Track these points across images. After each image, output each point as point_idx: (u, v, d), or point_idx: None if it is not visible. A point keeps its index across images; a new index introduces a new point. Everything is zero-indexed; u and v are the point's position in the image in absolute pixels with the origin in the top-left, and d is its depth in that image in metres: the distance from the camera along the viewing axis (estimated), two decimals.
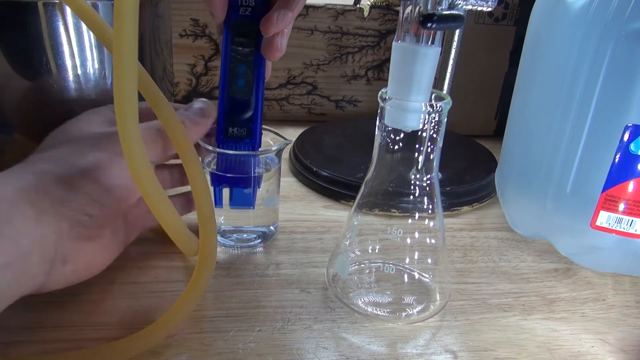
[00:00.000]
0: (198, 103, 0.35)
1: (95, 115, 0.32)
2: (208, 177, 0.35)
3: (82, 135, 0.30)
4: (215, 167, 0.36)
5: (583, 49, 0.32)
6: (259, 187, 0.36)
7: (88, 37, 0.35)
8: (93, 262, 0.30)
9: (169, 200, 0.28)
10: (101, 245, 0.30)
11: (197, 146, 0.34)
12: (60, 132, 0.31)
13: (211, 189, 0.35)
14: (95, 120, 0.32)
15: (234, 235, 0.38)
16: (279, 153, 0.37)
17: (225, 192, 0.36)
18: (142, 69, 0.30)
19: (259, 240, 0.38)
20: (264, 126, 0.37)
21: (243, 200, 0.35)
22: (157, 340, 0.28)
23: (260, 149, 0.35)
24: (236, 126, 0.35)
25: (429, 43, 0.27)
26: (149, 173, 0.27)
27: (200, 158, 0.33)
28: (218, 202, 0.35)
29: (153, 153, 0.31)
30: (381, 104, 0.29)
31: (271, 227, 0.39)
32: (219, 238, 0.37)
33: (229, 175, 0.35)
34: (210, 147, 0.35)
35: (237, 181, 0.35)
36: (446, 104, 0.28)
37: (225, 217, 0.38)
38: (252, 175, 0.35)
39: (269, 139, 0.38)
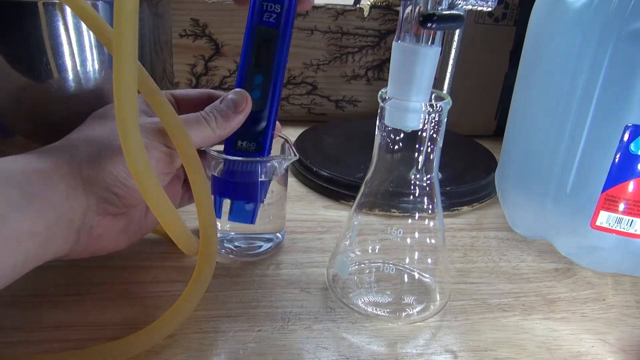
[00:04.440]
0: (231, 94, 0.33)
1: None
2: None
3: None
4: (220, 172, 0.35)
5: (583, 49, 0.32)
6: (261, 202, 0.35)
7: (88, 37, 0.35)
8: (117, 238, 0.31)
9: (169, 200, 0.28)
10: (126, 223, 0.31)
11: (203, 152, 0.33)
12: (101, 114, 0.33)
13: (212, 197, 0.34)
14: None
15: (237, 242, 0.37)
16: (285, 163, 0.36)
17: (226, 204, 0.35)
18: (143, 70, 0.30)
19: (266, 248, 0.38)
20: (280, 134, 0.36)
21: (243, 215, 0.34)
22: (156, 340, 0.28)
23: (265, 157, 0.35)
24: (246, 140, 0.33)
25: (429, 43, 0.27)
26: (148, 172, 0.27)
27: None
28: (217, 213, 0.34)
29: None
30: (381, 104, 0.29)
31: (278, 235, 0.39)
32: (225, 245, 0.37)
33: (231, 189, 0.34)
34: (214, 153, 0.34)
35: (240, 195, 0.34)
36: (446, 104, 0.28)
37: (230, 224, 0.37)
38: (256, 191, 0.34)
39: (275, 145, 0.38)
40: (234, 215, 0.35)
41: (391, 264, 0.33)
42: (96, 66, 0.36)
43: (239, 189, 0.34)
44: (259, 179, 0.34)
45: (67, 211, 0.27)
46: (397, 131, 0.29)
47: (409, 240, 0.32)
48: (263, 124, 0.33)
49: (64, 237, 0.27)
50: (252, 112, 0.33)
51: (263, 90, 0.33)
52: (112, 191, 0.28)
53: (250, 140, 0.33)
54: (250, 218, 0.35)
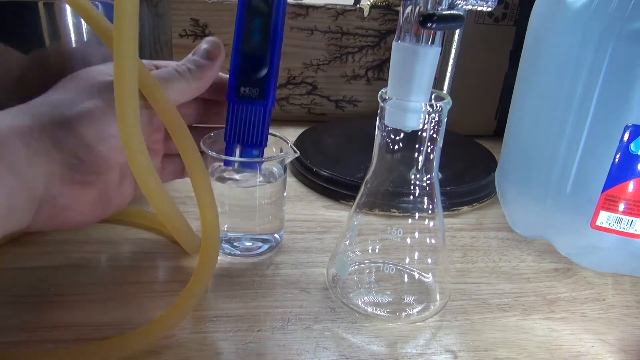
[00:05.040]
0: (204, 44, 0.33)
1: (107, 66, 0.32)
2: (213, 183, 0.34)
3: (89, 82, 0.30)
4: (217, 177, 0.35)
5: (583, 49, 0.32)
6: (265, 146, 0.34)
7: (88, 37, 0.35)
8: (87, 211, 0.29)
9: (170, 197, 0.28)
10: (94, 193, 0.29)
11: (202, 153, 0.33)
12: (71, 77, 0.31)
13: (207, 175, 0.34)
14: (106, 70, 0.31)
15: (236, 243, 0.37)
16: (283, 163, 0.36)
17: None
18: (143, 68, 0.30)
19: (264, 248, 0.38)
20: (274, 132, 0.36)
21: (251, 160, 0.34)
22: (153, 339, 0.27)
23: (264, 157, 0.35)
24: (248, 85, 0.33)
25: (429, 43, 0.27)
26: (149, 168, 0.27)
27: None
28: (228, 161, 0.34)
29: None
30: (381, 104, 0.29)
31: (276, 235, 0.39)
32: (224, 245, 0.37)
33: (240, 134, 0.33)
34: (214, 154, 0.34)
35: (248, 138, 0.33)
36: (446, 104, 0.28)
37: (229, 225, 0.37)
38: (263, 135, 0.33)
39: (274, 146, 0.38)
40: (243, 162, 0.34)
41: (391, 264, 0.33)
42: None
43: (249, 134, 0.34)
44: (264, 135, 0.34)
45: (29, 178, 0.25)
46: (397, 131, 0.29)
47: (409, 240, 0.32)
48: (265, 70, 0.32)
49: (24, 207, 0.25)
50: (252, 56, 0.32)
51: (263, 33, 0.32)
52: (77, 156, 0.27)
53: (253, 86, 0.33)
54: (257, 163, 0.34)
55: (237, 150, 0.35)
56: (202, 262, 0.31)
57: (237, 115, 0.33)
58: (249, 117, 0.33)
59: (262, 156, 0.35)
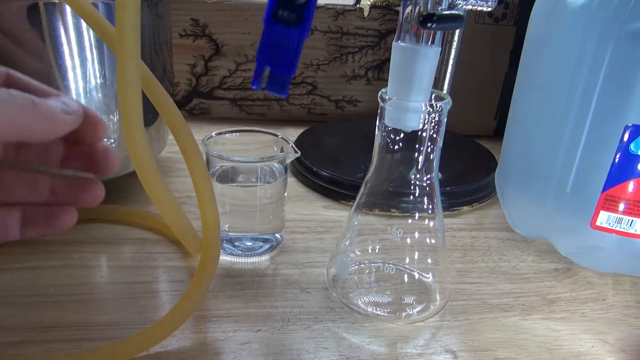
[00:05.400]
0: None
1: None
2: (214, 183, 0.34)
3: None
4: (218, 177, 0.35)
5: (583, 49, 0.32)
6: (294, 74, 0.33)
7: (88, 37, 0.35)
8: None
9: (175, 199, 0.28)
10: None
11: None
12: None
13: None
14: None
15: (237, 242, 0.37)
16: (284, 162, 0.36)
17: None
18: (144, 68, 0.30)
19: (265, 248, 0.38)
20: (274, 132, 0.36)
21: (280, 85, 0.32)
22: (159, 340, 0.28)
23: (264, 157, 0.35)
24: (287, 9, 0.31)
25: (429, 43, 0.27)
26: (154, 170, 0.27)
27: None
28: (256, 82, 0.32)
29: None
30: (381, 104, 0.29)
31: (277, 235, 0.39)
32: (224, 245, 0.37)
33: (273, 58, 0.32)
34: (215, 154, 0.34)
35: (279, 62, 0.32)
36: (446, 104, 0.28)
37: (230, 224, 0.37)
38: (294, 60, 0.32)
39: (274, 146, 0.38)
40: (271, 86, 0.34)
41: (391, 264, 0.33)
42: (96, 66, 0.36)
43: (280, 58, 0.32)
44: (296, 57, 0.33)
45: None
46: (397, 131, 0.29)
47: (409, 240, 0.32)
48: None
49: None
50: None
51: None
52: None
53: (292, 10, 0.32)
54: (285, 88, 0.34)
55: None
56: (203, 263, 0.31)
57: (271, 37, 0.33)
58: (283, 42, 0.33)
59: (289, 82, 0.34)
